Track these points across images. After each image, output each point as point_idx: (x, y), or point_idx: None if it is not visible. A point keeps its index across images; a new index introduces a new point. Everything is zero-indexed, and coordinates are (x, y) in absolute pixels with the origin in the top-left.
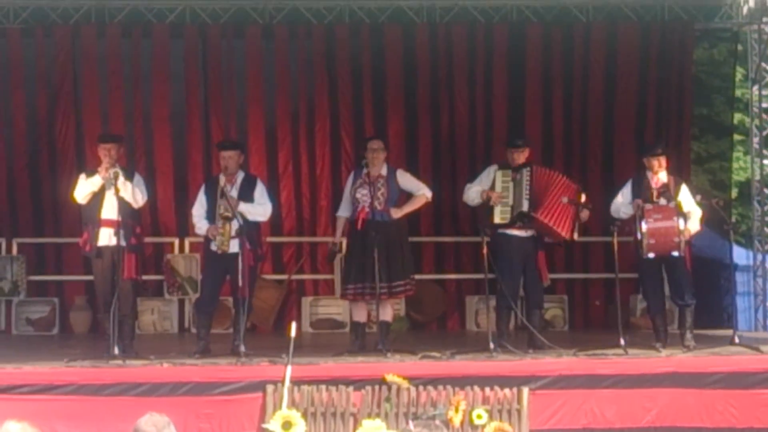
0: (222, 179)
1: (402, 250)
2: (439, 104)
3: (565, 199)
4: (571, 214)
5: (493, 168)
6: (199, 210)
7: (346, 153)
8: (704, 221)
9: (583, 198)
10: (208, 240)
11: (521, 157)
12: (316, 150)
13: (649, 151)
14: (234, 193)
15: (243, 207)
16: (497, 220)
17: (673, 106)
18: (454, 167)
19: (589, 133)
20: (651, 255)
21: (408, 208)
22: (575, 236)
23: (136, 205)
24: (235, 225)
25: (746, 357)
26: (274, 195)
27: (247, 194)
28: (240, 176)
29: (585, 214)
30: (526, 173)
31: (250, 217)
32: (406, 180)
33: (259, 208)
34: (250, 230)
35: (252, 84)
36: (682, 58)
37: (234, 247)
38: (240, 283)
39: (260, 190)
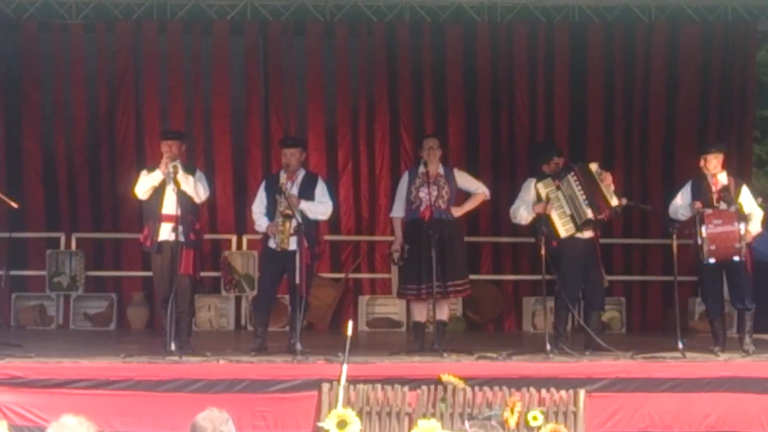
0: (283, 176)
1: (461, 250)
2: (499, 103)
3: (624, 200)
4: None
5: (531, 182)
6: (259, 206)
7: (405, 152)
8: (764, 224)
9: (594, 167)
10: (266, 237)
11: (558, 164)
12: (376, 148)
13: (700, 149)
14: (295, 190)
15: (304, 205)
16: (564, 234)
17: (735, 107)
18: (514, 167)
19: (650, 133)
20: (711, 260)
21: (468, 207)
22: (613, 203)
23: (198, 200)
24: (294, 223)
25: None
26: (333, 193)
27: (308, 192)
28: (301, 174)
29: (608, 179)
30: (572, 179)
31: (311, 216)
32: (463, 179)
33: (320, 207)
34: (308, 228)
35: (312, 81)
36: (744, 59)
37: (292, 244)
38: (297, 281)
39: (321, 188)
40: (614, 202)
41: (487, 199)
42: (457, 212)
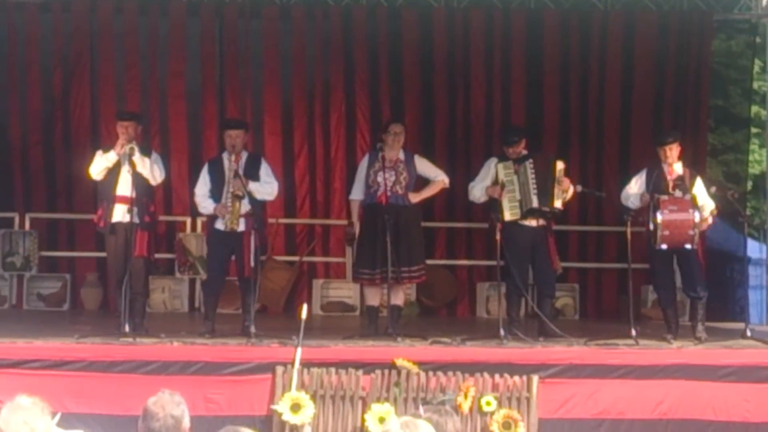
0: (227, 159)
1: (418, 235)
2: (455, 89)
3: (579, 188)
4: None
5: (493, 161)
6: (202, 189)
7: (361, 135)
8: (718, 213)
9: (560, 166)
10: (212, 219)
11: (518, 149)
12: (331, 132)
13: (659, 140)
14: (240, 172)
15: (252, 186)
16: (508, 216)
17: (690, 96)
18: (469, 153)
19: (605, 121)
20: (663, 246)
21: (426, 193)
22: (556, 204)
23: (154, 182)
24: (246, 205)
25: (758, 350)
26: (289, 176)
27: (252, 173)
28: (244, 155)
29: (565, 184)
30: (529, 166)
31: (259, 196)
32: (424, 165)
33: (267, 187)
34: (256, 210)
35: (268, 64)
36: (700, 48)
37: (241, 226)
38: (252, 263)
39: (265, 169)
40: (557, 204)
41: (447, 187)
42: (415, 198)
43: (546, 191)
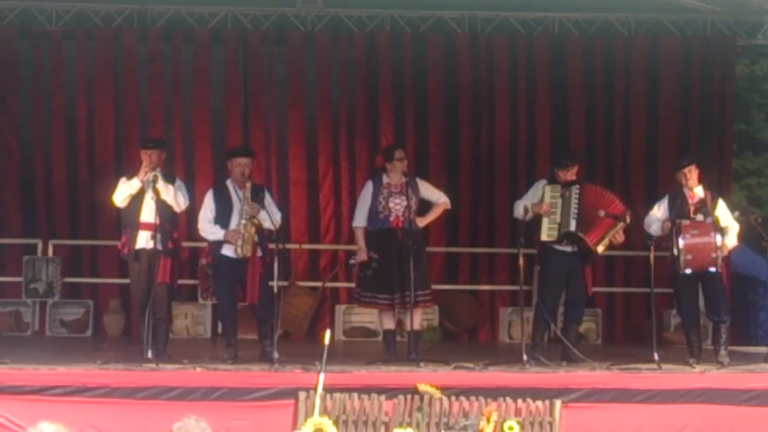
0: (247, 185)
1: (426, 260)
2: (479, 115)
3: (602, 213)
4: (604, 226)
5: (542, 183)
6: (208, 216)
7: None
8: (741, 238)
9: (628, 219)
10: (217, 246)
11: (569, 174)
12: (356, 157)
13: (676, 164)
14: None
15: (262, 214)
16: (544, 237)
17: (714, 121)
18: (493, 178)
19: (631, 146)
20: (688, 271)
21: (431, 217)
22: (599, 249)
23: (178, 209)
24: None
25: None
26: (313, 201)
27: (258, 202)
28: (248, 184)
29: (620, 236)
30: (575, 191)
31: (266, 224)
32: (427, 189)
33: (274, 216)
34: (261, 238)
35: (292, 91)
36: (723, 73)
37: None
38: (259, 288)
39: (269, 199)
40: (599, 249)
41: (449, 209)
42: (422, 222)
43: (586, 222)
